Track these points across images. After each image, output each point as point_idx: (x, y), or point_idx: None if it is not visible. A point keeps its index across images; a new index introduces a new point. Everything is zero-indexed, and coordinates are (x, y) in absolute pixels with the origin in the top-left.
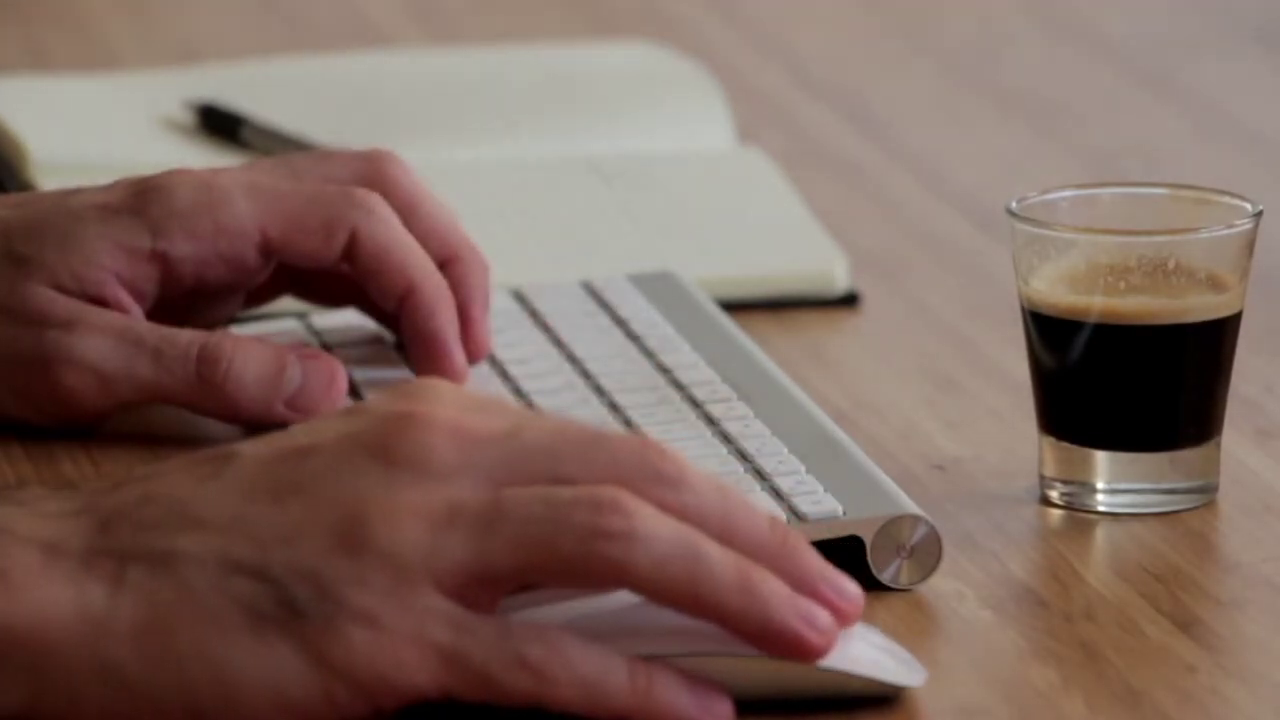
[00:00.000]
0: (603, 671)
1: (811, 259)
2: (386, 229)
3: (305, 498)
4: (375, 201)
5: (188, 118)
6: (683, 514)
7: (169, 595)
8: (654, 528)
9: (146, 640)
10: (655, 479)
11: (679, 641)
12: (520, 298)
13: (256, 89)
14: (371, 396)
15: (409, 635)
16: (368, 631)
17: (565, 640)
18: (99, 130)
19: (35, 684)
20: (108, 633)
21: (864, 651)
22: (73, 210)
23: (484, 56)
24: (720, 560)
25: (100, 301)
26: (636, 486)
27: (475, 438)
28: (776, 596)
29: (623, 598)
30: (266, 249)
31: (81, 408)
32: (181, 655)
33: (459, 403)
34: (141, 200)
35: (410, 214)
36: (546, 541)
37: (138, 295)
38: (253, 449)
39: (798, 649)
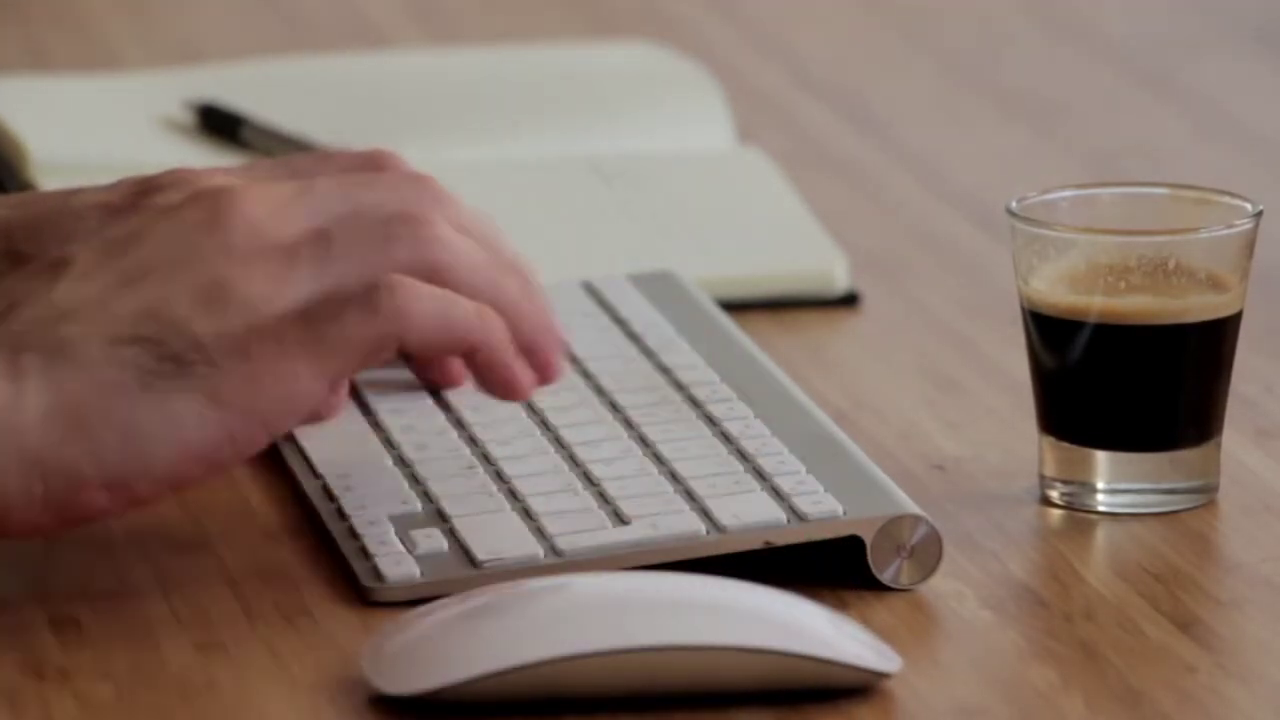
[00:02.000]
0: (447, 303)
1: (811, 259)
2: None
3: (157, 275)
4: None
5: (188, 118)
6: (463, 230)
7: (67, 376)
8: (456, 233)
9: (55, 421)
10: (435, 201)
11: (669, 631)
12: None
13: (256, 89)
14: (146, 200)
15: (277, 352)
16: (245, 363)
17: (409, 282)
18: (99, 130)
19: None
20: (19, 423)
21: (842, 642)
22: (74, 210)
23: (484, 56)
24: (506, 262)
25: None
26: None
27: (278, 196)
28: (547, 308)
29: (611, 588)
30: None
31: None
32: (90, 428)
33: (240, 175)
34: (143, 201)
35: None
36: (381, 258)
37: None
38: (82, 249)
39: (547, 356)
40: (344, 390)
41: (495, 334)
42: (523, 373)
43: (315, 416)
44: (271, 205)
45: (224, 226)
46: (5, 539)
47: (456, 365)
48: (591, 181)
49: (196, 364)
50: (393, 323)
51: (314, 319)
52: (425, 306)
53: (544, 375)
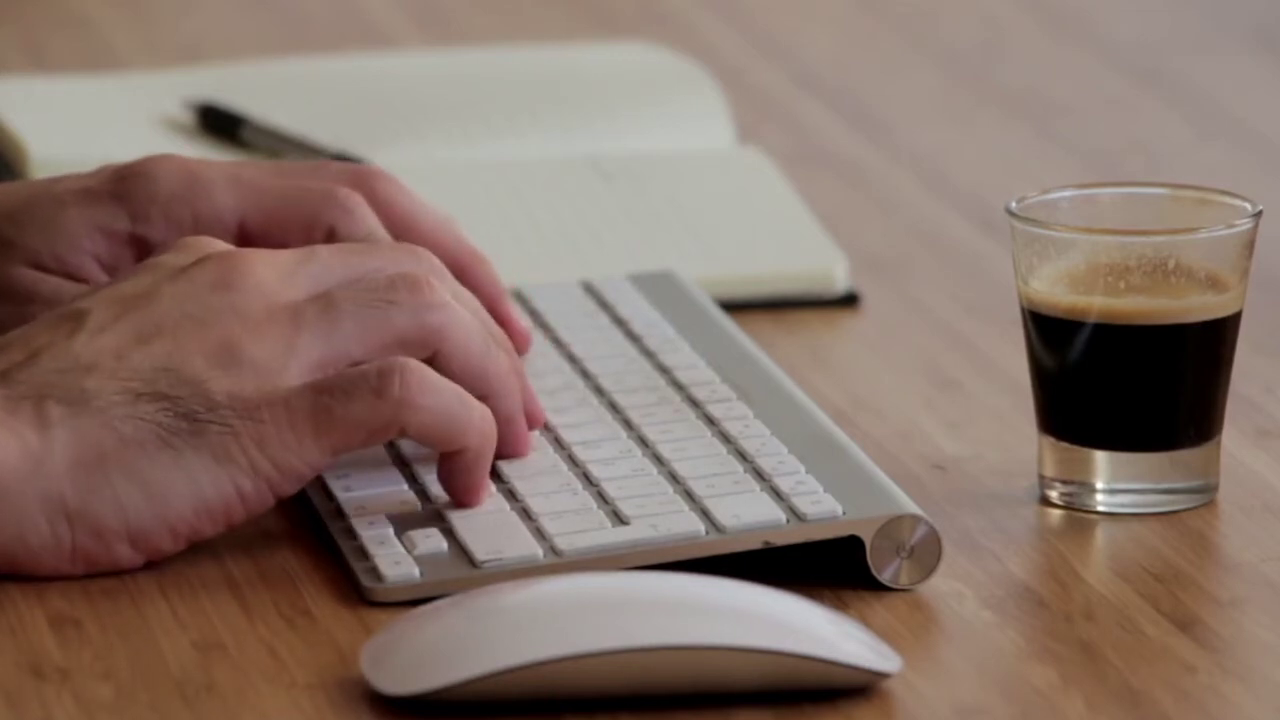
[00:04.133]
0: (456, 402)
1: (811, 259)
2: (365, 231)
3: (171, 332)
4: (355, 202)
5: (188, 118)
6: (456, 298)
7: (91, 427)
8: (453, 300)
9: (81, 471)
10: (431, 270)
11: (669, 631)
12: (520, 298)
13: (256, 89)
14: (155, 259)
15: (286, 420)
16: (255, 426)
17: (420, 373)
18: (99, 130)
19: None
20: (47, 469)
21: (842, 642)
22: (56, 195)
23: (484, 56)
24: (495, 334)
25: (81, 281)
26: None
27: (282, 262)
28: (525, 383)
29: (611, 588)
30: (244, 242)
31: None
32: (113, 479)
33: (243, 246)
34: (124, 185)
35: (409, 231)
36: (384, 322)
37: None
38: (97, 303)
39: (522, 430)
40: None
41: (488, 442)
42: (485, 485)
43: None
44: (278, 269)
45: (234, 288)
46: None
47: None
48: (591, 181)
49: (210, 424)
50: (398, 411)
51: (324, 394)
52: (433, 401)
53: (518, 449)
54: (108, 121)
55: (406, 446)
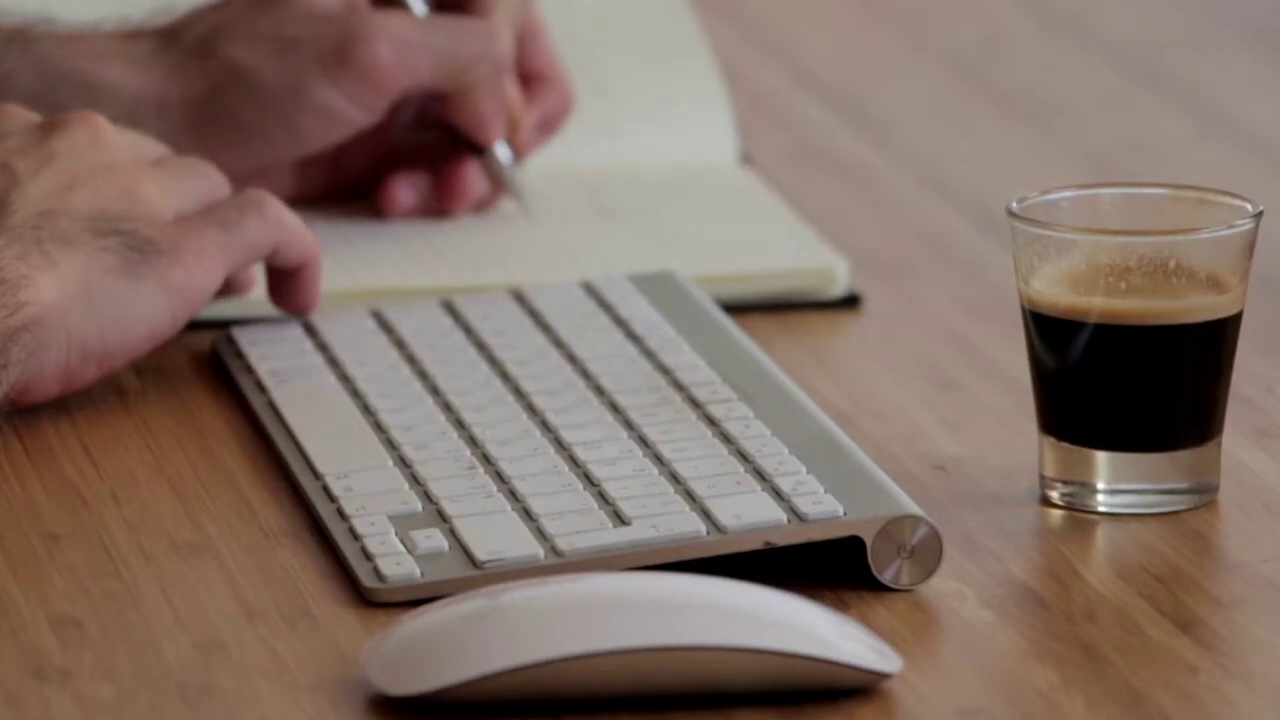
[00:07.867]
0: (300, 222)
1: (812, 260)
2: None
3: (86, 181)
4: None
5: None
6: None
7: (82, 261)
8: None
9: (80, 299)
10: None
11: (670, 631)
12: (520, 298)
13: None
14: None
15: (200, 247)
16: (184, 255)
17: (273, 196)
18: None
19: (31, 354)
20: (63, 305)
21: (843, 642)
22: None
23: None
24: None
25: None
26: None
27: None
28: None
29: (611, 588)
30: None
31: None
32: (98, 306)
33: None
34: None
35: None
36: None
37: None
38: (8, 156)
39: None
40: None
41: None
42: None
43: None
44: (115, 129)
45: (108, 143)
46: (16, 406)
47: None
48: (590, 214)
49: (156, 254)
50: (276, 228)
51: (218, 221)
52: (291, 218)
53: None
54: None
55: (408, 449)
